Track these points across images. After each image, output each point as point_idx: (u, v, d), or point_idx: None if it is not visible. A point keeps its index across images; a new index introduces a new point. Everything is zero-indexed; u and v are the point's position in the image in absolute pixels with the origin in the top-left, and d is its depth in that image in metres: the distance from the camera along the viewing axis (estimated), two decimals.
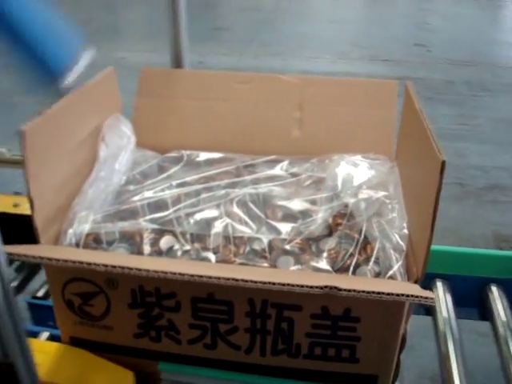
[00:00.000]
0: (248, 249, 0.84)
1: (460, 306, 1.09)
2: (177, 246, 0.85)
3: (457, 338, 1.00)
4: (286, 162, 1.02)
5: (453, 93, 3.99)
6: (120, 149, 1.00)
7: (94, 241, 0.87)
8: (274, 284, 0.63)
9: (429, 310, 1.08)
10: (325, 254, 0.83)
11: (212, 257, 0.83)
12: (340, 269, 0.81)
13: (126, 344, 0.87)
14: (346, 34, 5.47)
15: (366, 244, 0.84)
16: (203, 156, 1.04)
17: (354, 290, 0.63)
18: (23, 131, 0.78)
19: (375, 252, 0.81)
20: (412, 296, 0.63)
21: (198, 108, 1.09)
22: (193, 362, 0.86)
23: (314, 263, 0.82)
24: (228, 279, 0.66)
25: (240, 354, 0.83)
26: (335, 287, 0.63)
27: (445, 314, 1.04)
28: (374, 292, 0.63)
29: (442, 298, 1.08)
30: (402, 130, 0.98)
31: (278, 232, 0.86)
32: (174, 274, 0.70)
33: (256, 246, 0.84)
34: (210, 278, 0.65)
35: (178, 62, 1.18)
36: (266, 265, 0.82)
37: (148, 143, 1.07)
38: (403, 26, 5.78)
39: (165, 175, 0.98)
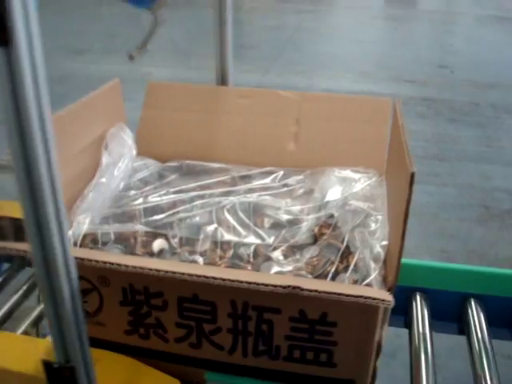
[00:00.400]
0: (234, 253, 0.88)
1: (438, 319, 1.11)
2: (167, 249, 0.89)
3: (429, 351, 1.01)
4: (280, 174, 1.06)
5: (477, 115, 3.98)
6: (121, 157, 1.05)
7: (91, 241, 0.93)
8: (241, 282, 0.67)
9: (407, 324, 1.11)
10: (306, 261, 0.86)
11: (200, 259, 0.87)
12: (319, 275, 0.85)
13: (117, 340, 0.91)
14: (370, 53, 5.50)
15: (348, 253, 0.87)
16: (201, 166, 1.09)
17: (316, 290, 0.66)
18: None
19: (354, 261, 0.84)
20: (370, 298, 0.66)
21: (199, 120, 1.15)
22: (180, 361, 0.90)
23: (295, 270, 0.85)
24: (194, 275, 0.70)
25: (223, 354, 0.87)
26: (298, 287, 0.66)
27: (420, 327, 1.06)
28: (334, 293, 0.66)
29: (420, 311, 1.10)
30: (390, 146, 1.02)
31: (264, 239, 0.90)
32: (158, 271, 0.75)
33: (242, 251, 0.88)
34: (183, 274, 0.70)
35: (223, 80, 1.22)
36: (249, 269, 0.86)
37: (151, 152, 1.13)
38: (426, 47, 5.80)
39: (163, 182, 1.03)
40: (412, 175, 0.71)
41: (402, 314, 1.17)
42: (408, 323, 1.11)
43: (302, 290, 0.65)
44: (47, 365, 0.67)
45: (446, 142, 3.45)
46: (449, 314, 1.13)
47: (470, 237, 2.44)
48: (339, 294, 0.66)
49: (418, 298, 1.16)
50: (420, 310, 1.13)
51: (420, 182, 2.79)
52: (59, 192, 0.59)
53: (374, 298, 0.66)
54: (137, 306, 0.87)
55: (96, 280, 0.87)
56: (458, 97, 4.29)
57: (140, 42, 1.10)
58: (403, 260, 1.28)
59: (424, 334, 1.04)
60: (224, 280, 0.68)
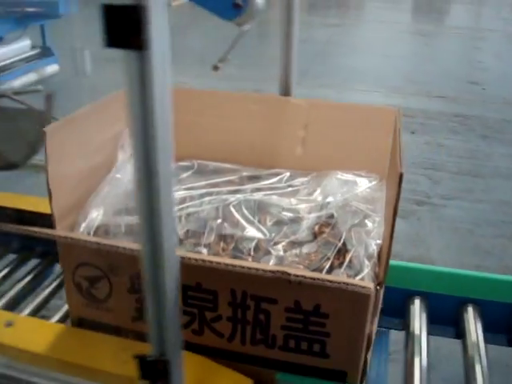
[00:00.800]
0: (236, 246, 0.93)
1: (436, 323, 1.14)
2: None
3: (425, 354, 1.04)
4: (287, 175, 1.11)
5: (509, 132, 3.96)
6: None
7: (103, 232, 0.99)
8: (234, 266, 0.73)
9: (404, 326, 1.14)
10: (304, 257, 0.91)
11: (204, 251, 0.93)
12: (315, 270, 0.89)
13: (124, 326, 0.97)
14: (400, 68, 5.51)
15: (344, 251, 0.92)
16: (212, 166, 1.15)
17: (303, 276, 0.71)
18: (45, 132, 0.90)
19: (349, 258, 0.89)
20: (351, 284, 0.70)
21: (212, 124, 1.21)
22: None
23: (293, 264, 0.90)
24: (194, 259, 0.76)
25: (223, 341, 0.92)
26: (286, 272, 0.71)
27: (417, 329, 1.09)
28: (319, 279, 0.71)
29: (418, 314, 1.13)
30: (391, 151, 1.06)
31: (266, 234, 0.95)
32: None
33: (244, 245, 0.93)
34: (183, 258, 0.75)
35: (286, 90, 1.26)
36: (249, 261, 0.91)
37: None
38: (456, 63, 5.79)
39: (175, 180, 1.09)
40: (400, 175, 0.75)
41: (399, 317, 1.20)
42: (404, 326, 1.15)
43: (289, 274, 0.70)
44: (141, 358, 0.70)
45: (478, 159, 3.45)
46: (446, 318, 1.16)
47: (505, 253, 2.44)
48: (323, 280, 0.71)
49: (417, 301, 1.19)
50: (419, 313, 1.16)
51: (454, 198, 2.80)
52: (172, 197, 0.63)
53: (355, 285, 0.70)
54: (143, 293, 0.93)
55: (106, 268, 0.93)
56: (489, 113, 4.27)
57: (223, 54, 1.15)
58: (403, 263, 1.32)
59: (421, 336, 1.07)
60: (219, 264, 0.73)
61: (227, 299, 0.88)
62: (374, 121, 1.14)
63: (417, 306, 1.14)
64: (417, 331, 1.09)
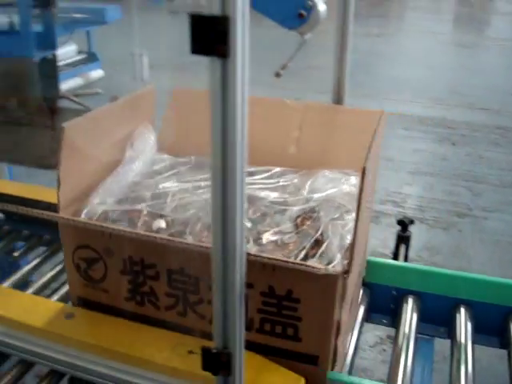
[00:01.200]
0: None
1: (427, 322, 1.18)
2: (164, 228, 1.02)
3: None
4: (278, 172, 1.18)
5: None
6: (142, 152, 1.20)
7: (103, 219, 1.07)
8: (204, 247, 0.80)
9: (394, 323, 1.18)
10: (283, 246, 0.97)
11: (189, 238, 1.00)
12: (291, 258, 0.95)
13: (118, 306, 1.04)
14: (442, 80, 5.48)
15: (321, 242, 0.97)
16: (208, 161, 1.21)
17: (260, 256, 0.78)
18: (63, 128, 0.99)
19: (323, 248, 0.94)
20: (320, 269, 0.77)
21: (202, 122, 1.28)
22: (169, 328, 1.02)
23: (271, 251, 0.96)
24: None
25: (205, 323, 0.98)
26: (260, 256, 0.79)
27: (407, 328, 1.13)
28: (291, 263, 0.78)
29: (409, 313, 1.17)
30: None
31: (251, 224, 1.01)
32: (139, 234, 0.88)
33: None
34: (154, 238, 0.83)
35: (339, 99, 1.31)
36: None
37: (171, 149, 1.27)
38: (500, 75, 5.71)
39: (171, 173, 1.17)
40: (363, 169, 0.81)
41: (389, 315, 1.25)
42: (395, 323, 1.20)
43: (249, 254, 0.76)
44: (206, 350, 0.74)
45: None
46: (438, 318, 1.20)
47: None
48: (294, 264, 0.78)
49: (410, 300, 1.23)
50: (410, 312, 1.20)
51: (495, 210, 2.82)
52: (243, 199, 0.68)
53: (323, 269, 0.77)
54: (135, 275, 1.00)
55: (102, 251, 1.01)
56: None
57: (285, 61, 1.21)
58: (397, 263, 1.36)
59: (410, 334, 1.12)
60: (195, 246, 0.81)
61: (207, 283, 0.94)
62: (363, 122, 1.19)
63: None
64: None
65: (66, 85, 4.44)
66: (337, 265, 0.91)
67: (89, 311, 1.07)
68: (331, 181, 1.10)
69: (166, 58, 5.03)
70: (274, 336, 0.95)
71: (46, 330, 1.03)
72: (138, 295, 1.02)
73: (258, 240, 0.99)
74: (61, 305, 1.12)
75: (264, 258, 0.85)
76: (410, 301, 1.23)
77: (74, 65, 5.00)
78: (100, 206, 1.07)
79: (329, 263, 0.92)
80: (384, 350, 2.01)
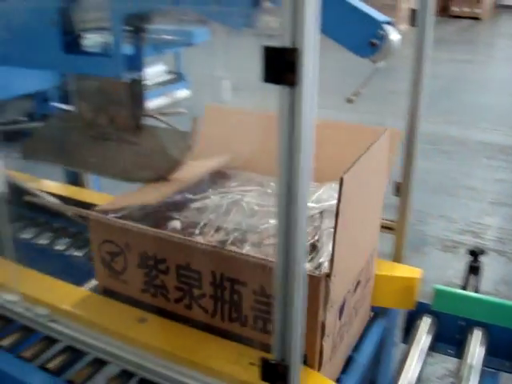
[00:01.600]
0: (224, 236, 1.10)
1: (493, 355, 1.20)
2: (179, 229, 1.14)
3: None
4: None
5: None
6: None
7: (129, 219, 1.19)
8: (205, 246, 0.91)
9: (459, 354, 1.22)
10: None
11: (198, 238, 1.10)
12: None
13: (135, 297, 1.16)
14: None
15: (316, 247, 1.05)
16: (231, 172, 1.33)
17: (235, 252, 0.87)
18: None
19: (314, 253, 1.02)
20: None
21: (229, 137, 1.40)
22: (177, 320, 1.12)
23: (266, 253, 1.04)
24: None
25: (207, 316, 1.08)
26: (251, 255, 0.89)
27: (472, 360, 1.16)
28: (268, 260, 0.88)
29: (476, 345, 1.20)
30: None
31: (253, 228, 1.11)
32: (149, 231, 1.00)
33: (230, 236, 1.10)
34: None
35: (413, 124, 1.31)
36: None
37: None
38: None
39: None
40: (341, 179, 0.88)
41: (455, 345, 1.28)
42: (461, 355, 1.22)
43: (230, 251, 0.86)
44: (265, 361, 0.78)
45: None
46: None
47: None
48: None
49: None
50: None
51: None
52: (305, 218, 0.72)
53: (309, 270, 0.86)
54: (149, 269, 1.12)
55: (123, 245, 1.13)
56: None
57: (357, 88, 1.21)
58: (466, 293, 1.35)
59: (474, 367, 1.15)
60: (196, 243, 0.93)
61: (209, 279, 1.04)
62: (364, 139, 1.24)
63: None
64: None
65: (154, 103, 4.64)
66: (324, 269, 0.98)
67: (158, 317, 1.13)
68: (327, 191, 1.18)
69: (251, 80, 5.16)
70: (265, 333, 1.02)
71: (120, 332, 1.11)
72: (151, 288, 1.13)
73: (255, 241, 1.08)
74: (133, 309, 1.16)
75: (255, 258, 0.94)
76: (477, 332, 1.25)
77: (162, 84, 5.23)
78: (127, 207, 1.21)
79: (317, 268, 0.99)
80: None
